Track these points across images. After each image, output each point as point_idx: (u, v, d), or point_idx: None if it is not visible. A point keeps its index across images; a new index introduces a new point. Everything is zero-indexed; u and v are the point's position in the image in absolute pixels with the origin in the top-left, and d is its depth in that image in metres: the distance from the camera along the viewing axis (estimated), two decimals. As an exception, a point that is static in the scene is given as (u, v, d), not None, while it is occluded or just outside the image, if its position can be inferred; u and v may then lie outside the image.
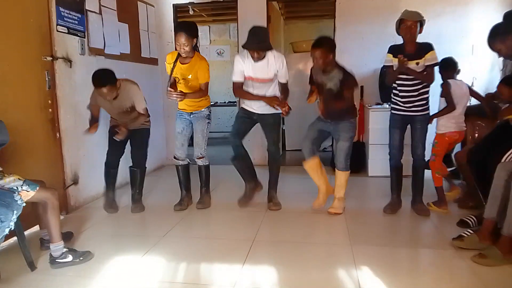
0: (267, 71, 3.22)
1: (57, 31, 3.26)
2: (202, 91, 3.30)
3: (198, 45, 3.29)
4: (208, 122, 3.48)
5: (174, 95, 3.10)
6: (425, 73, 3.08)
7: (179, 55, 3.25)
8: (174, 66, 3.27)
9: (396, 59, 3.10)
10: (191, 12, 6.74)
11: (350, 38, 4.93)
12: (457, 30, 4.73)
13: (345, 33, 4.95)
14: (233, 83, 3.33)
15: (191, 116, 3.45)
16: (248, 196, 3.54)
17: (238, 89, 3.33)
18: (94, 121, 3.33)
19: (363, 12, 4.87)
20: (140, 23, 4.71)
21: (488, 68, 4.63)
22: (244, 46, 3.14)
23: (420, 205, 3.28)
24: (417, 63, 3.05)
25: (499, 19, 3.49)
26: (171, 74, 3.28)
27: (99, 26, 3.84)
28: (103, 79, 3.03)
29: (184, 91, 3.23)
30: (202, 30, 8.35)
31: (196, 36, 3.19)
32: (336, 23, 4.99)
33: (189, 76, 3.27)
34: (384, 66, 3.31)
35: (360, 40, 4.91)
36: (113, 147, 3.39)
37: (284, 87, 3.33)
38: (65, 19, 3.35)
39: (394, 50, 3.19)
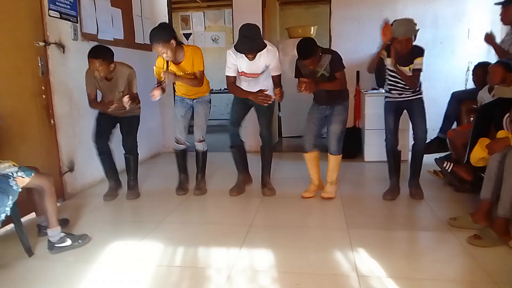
0: (259, 66, 3.20)
1: (49, 15, 3.21)
2: (197, 79, 3.26)
3: (178, 39, 3.13)
4: (210, 106, 3.54)
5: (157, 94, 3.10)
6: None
7: None
8: (167, 68, 3.18)
9: (390, 60, 3.10)
10: (185, -2, 6.66)
11: (346, 22, 4.90)
12: (453, 14, 4.72)
13: (341, 17, 4.91)
14: (227, 77, 3.30)
15: (194, 101, 3.47)
16: (240, 186, 3.55)
17: (232, 84, 3.32)
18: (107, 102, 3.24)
19: (359, -4, 4.84)
20: (134, 9, 4.64)
21: (485, 52, 4.61)
22: (236, 49, 3.07)
23: (415, 189, 3.29)
24: (410, 69, 3.06)
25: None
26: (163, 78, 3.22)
27: (91, 11, 3.78)
28: (100, 51, 3.01)
29: (185, 88, 3.34)
30: (197, 16, 8.26)
31: (173, 36, 3.03)
32: (332, 7, 4.95)
33: (188, 71, 3.25)
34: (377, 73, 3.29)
35: (356, 25, 4.88)
36: (99, 130, 3.34)
37: (276, 80, 3.28)
38: (57, 3, 3.29)
39: (389, 50, 3.13)
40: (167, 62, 3.19)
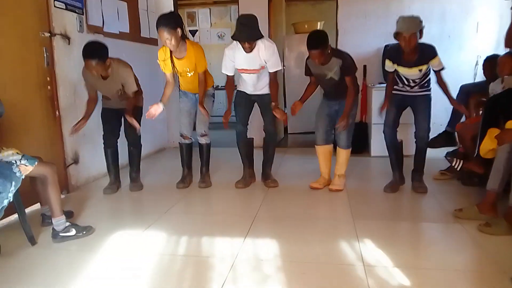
0: (258, 61, 3.17)
1: (55, 6, 3.20)
2: (204, 81, 3.31)
3: (185, 32, 3.14)
4: (213, 100, 3.56)
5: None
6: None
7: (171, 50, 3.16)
8: (172, 62, 3.22)
9: (396, 66, 3.08)
10: (191, -6, 6.65)
11: (352, 17, 4.85)
12: (461, 8, 4.65)
13: (347, 12, 4.87)
14: (227, 76, 3.36)
15: (197, 95, 3.44)
16: (246, 179, 3.53)
17: (228, 85, 3.39)
18: (86, 117, 3.20)
19: (366, -10, 4.79)
20: (140, 2, 4.64)
21: (493, 46, 4.55)
22: (233, 38, 3.08)
23: (417, 183, 3.25)
24: (420, 70, 3.00)
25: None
26: (173, 69, 3.29)
27: (97, 3, 3.78)
28: (95, 52, 2.93)
29: (188, 84, 3.39)
30: (203, 13, 8.26)
31: (179, 25, 3.01)
32: (338, 3, 4.91)
33: (189, 69, 3.25)
34: (384, 69, 3.23)
35: (362, 19, 4.83)
36: (108, 127, 3.35)
37: (272, 78, 3.24)
38: (63, -6, 3.29)
39: (392, 56, 3.10)
40: (171, 56, 3.19)
